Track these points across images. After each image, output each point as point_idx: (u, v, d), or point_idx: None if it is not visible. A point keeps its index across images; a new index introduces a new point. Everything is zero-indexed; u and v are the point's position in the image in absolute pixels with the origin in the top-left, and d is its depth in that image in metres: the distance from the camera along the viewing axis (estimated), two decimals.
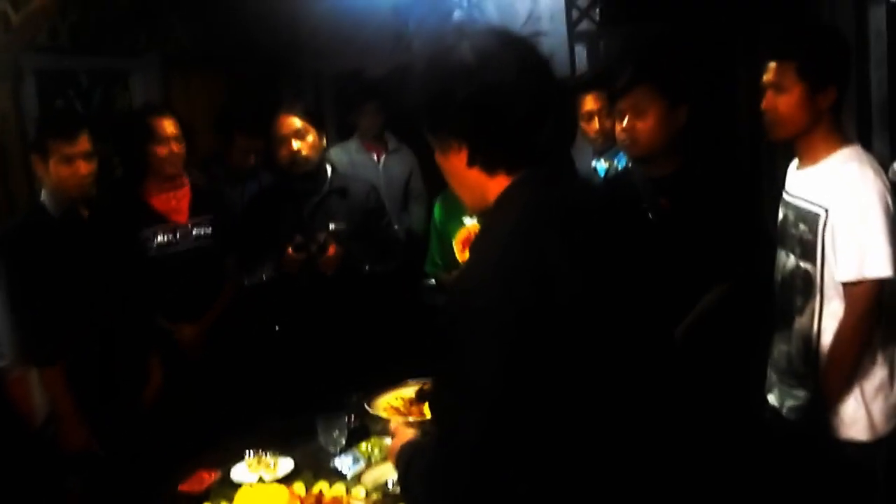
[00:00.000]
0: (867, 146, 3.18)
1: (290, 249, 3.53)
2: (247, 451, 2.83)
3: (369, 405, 2.47)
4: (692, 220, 2.97)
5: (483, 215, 1.70)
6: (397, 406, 2.66)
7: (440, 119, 1.65)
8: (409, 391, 2.52)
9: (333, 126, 5.82)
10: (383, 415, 2.41)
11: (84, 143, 3.19)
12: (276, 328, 3.76)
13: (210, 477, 2.77)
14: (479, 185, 1.66)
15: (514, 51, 1.61)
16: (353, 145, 5.33)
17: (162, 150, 3.66)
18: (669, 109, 2.98)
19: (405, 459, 1.75)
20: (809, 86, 2.51)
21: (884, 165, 2.88)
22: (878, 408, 2.57)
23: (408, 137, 5.52)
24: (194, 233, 3.77)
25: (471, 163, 1.64)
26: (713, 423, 1.83)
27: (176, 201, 3.77)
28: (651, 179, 3.11)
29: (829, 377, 2.56)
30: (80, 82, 3.83)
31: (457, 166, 1.67)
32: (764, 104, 2.61)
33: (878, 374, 2.57)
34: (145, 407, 3.48)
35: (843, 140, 2.59)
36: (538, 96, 1.60)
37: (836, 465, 2.60)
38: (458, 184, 1.71)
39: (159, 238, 3.69)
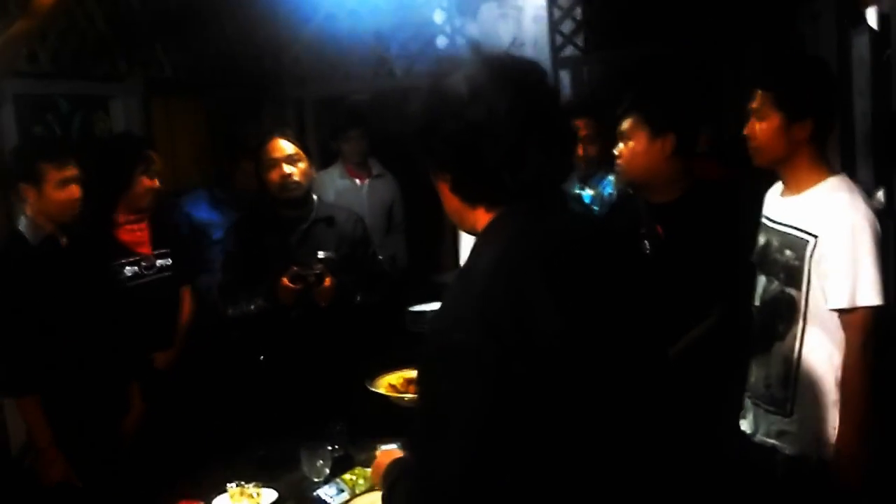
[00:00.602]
0: (851, 174, 3.20)
1: (285, 280, 3.45)
2: (229, 482, 2.77)
3: (371, 384, 2.45)
4: (684, 249, 2.97)
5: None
6: (396, 384, 2.70)
7: (425, 148, 1.64)
8: (411, 373, 2.51)
9: (316, 153, 5.80)
10: (382, 391, 2.42)
11: (74, 168, 3.20)
12: (261, 357, 3.70)
13: None
14: (464, 213, 1.66)
15: (509, 86, 1.56)
16: (336, 171, 5.34)
17: (151, 183, 3.72)
18: (653, 137, 3.02)
19: (390, 480, 1.72)
20: (786, 116, 2.56)
21: (868, 193, 2.90)
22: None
23: (391, 164, 5.53)
24: (158, 264, 3.83)
25: (453, 192, 1.64)
26: (692, 454, 1.80)
27: (140, 233, 3.83)
28: (650, 206, 3.14)
29: (846, 409, 2.53)
30: (59, 107, 3.79)
31: (443, 191, 1.67)
32: (746, 129, 2.66)
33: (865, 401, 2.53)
34: (125, 437, 3.43)
35: (829, 170, 2.62)
36: (527, 134, 1.55)
37: (814, 492, 2.59)
38: (447, 208, 1.70)
39: (127, 270, 3.73)
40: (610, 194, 3.78)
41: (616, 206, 3.59)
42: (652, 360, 1.68)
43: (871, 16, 2.82)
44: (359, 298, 3.69)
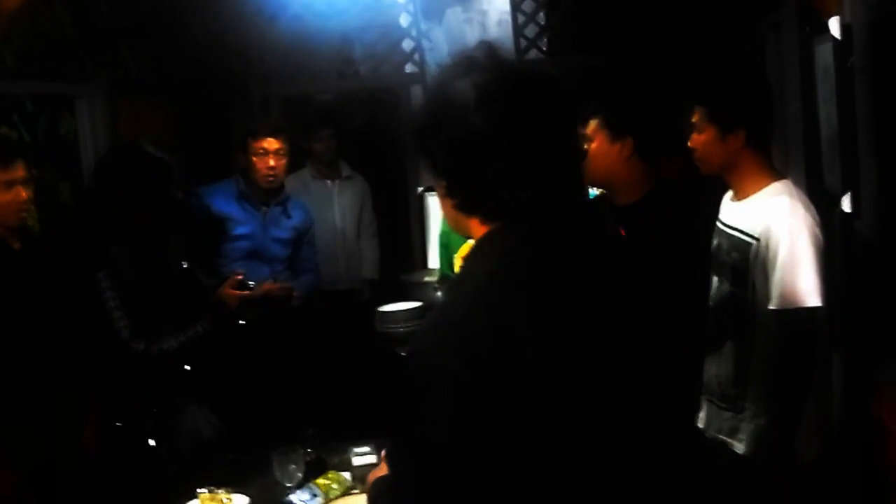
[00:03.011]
0: (817, 180, 3.26)
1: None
2: (199, 487, 2.75)
3: None
4: (645, 250, 3.06)
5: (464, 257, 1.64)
6: None
7: (423, 149, 1.60)
8: None
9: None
10: None
11: (21, 170, 3.09)
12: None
13: None
14: (459, 219, 1.61)
15: (518, 98, 1.51)
16: (306, 173, 5.32)
17: None
18: (611, 141, 3.15)
19: (374, 495, 1.72)
20: (719, 128, 2.71)
21: (835, 199, 2.96)
22: (810, 432, 2.66)
23: (359, 165, 5.52)
24: None
25: (447, 198, 1.60)
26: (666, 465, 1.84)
27: None
28: (614, 207, 3.24)
29: (781, 406, 2.63)
30: (25, 107, 3.75)
31: (440, 193, 1.63)
32: (689, 143, 2.81)
33: (810, 400, 2.65)
34: (86, 447, 3.33)
35: (772, 174, 2.75)
36: (530, 150, 1.50)
37: (767, 488, 2.67)
38: (443, 211, 1.66)
39: None
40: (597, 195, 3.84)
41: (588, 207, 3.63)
42: (635, 384, 1.67)
43: (834, 25, 2.87)
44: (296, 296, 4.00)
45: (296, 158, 5.39)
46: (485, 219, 1.56)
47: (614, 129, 3.15)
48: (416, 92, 5.79)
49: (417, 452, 1.47)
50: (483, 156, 1.49)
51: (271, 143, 4.16)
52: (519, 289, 1.49)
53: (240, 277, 3.56)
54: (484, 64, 1.54)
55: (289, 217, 4.37)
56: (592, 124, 3.16)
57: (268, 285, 3.82)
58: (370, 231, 5.46)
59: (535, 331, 1.46)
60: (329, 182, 5.34)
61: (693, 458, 2.84)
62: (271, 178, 4.20)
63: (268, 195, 4.27)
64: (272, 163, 4.17)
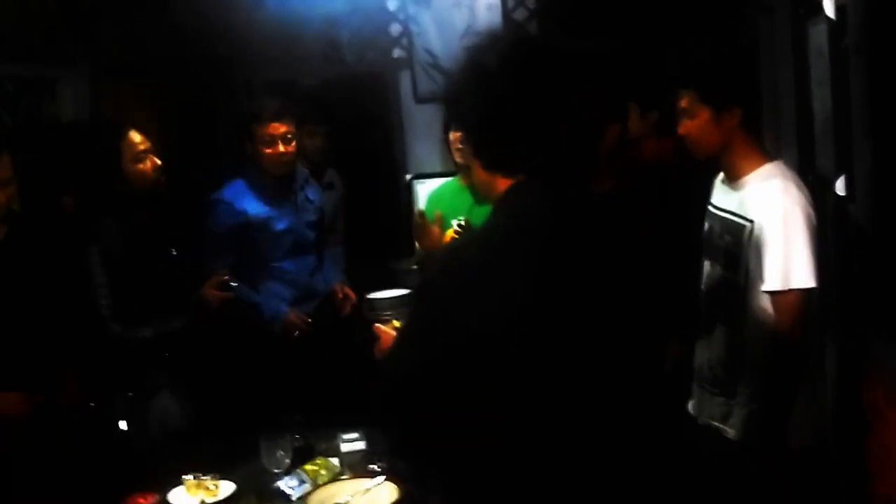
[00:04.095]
0: (810, 163, 3.23)
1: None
2: (185, 474, 2.73)
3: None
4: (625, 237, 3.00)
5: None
6: None
7: (455, 115, 1.86)
8: None
9: None
10: None
11: (4, 169, 2.96)
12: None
13: (146, 502, 2.67)
14: (485, 180, 1.81)
15: (539, 69, 1.68)
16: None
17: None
18: (719, 114, 2.97)
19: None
20: (713, 109, 2.66)
21: (828, 182, 2.94)
22: (803, 416, 2.65)
23: (348, 153, 5.41)
24: None
25: (475, 157, 1.80)
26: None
27: None
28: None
29: (775, 389, 2.62)
30: (6, 90, 3.69)
31: (470, 155, 1.84)
32: (679, 129, 2.76)
33: (803, 383, 2.64)
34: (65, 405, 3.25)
35: (764, 156, 2.72)
36: (548, 115, 1.67)
37: (759, 473, 2.64)
38: (474, 173, 1.87)
39: None
40: None
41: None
42: (625, 346, 1.77)
43: (828, 6, 2.84)
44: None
45: None
46: (506, 174, 1.75)
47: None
48: (405, 77, 5.73)
49: (399, 365, 1.71)
50: (505, 117, 1.68)
51: (277, 128, 3.86)
52: (530, 241, 1.68)
53: (225, 278, 3.54)
54: (507, 38, 1.80)
55: (311, 200, 4.20)
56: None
57: (293, 316, 3.88)
58: (339, 239, 5.25)
59: (538, 282, 1.64)
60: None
61: (684, 444, 2.82)
62: (284, 165, 3.94)
63: (288, 181, 4.04)
64: (282, 149, 3.89)
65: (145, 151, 3.38)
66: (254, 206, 3.92)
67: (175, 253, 3.51)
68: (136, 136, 3.36)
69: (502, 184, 1.75)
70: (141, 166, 3.35)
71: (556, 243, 1.69)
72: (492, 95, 1.68)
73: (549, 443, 1.66)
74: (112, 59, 4.49)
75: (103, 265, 3.24)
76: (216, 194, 3.96)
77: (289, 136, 3.89)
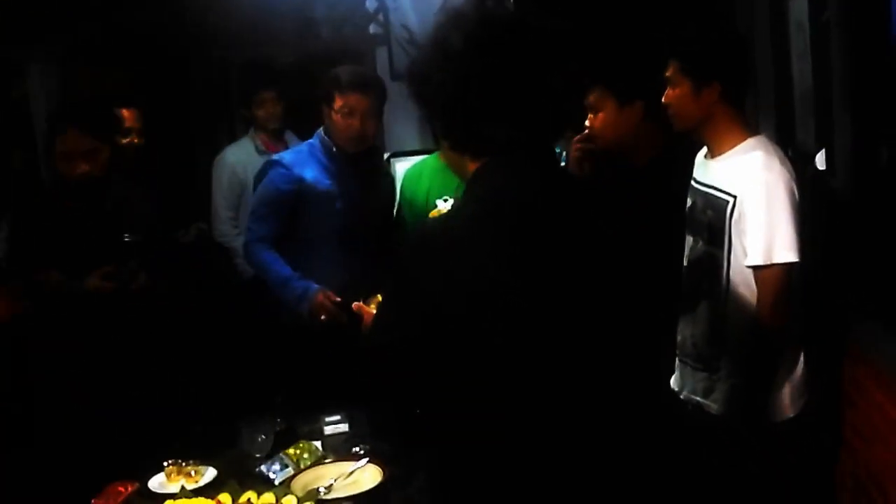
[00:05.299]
0: (790, 136, 3.23)
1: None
2: (165, 460, 2.70)
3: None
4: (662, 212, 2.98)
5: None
6: None
7: (417, 96, 1.76)
8: None
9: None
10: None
11: None
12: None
13: (126, 490, 2.63)
14: (455, 161, 1.81)
15: (502, 45, 1.66)
16: (249, 144, 4.81)
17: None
18: (620, 108, 3.08)
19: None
20: (693, 81, 2.65)
21: (809, 156, 2.94)
22: (784, 390, 2.66)
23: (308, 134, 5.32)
24: None
25: (443, 139, 1.81)
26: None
27: None
28: (628, 170, 3.19)
29: (756, 363, 2.62)
30: None
31: (437, 137, 1.93)
32: (664, 98, 2.75)
33: (784, 358, 2.66)
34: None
35: (746, 130, 2.70)
36: (513, 91, 1.66)
37: (741, 448, 2.66)
38: (442, 154, 1.99)
39: None
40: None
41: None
42: (602, 319, 1.77)
43: None
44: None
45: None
46: (474, 156, 1.74)
47: (621, 97, 3.08)
48: (381, 54, 5.68)
49: (380, 336, 1.76)
50: (469, 96, 1.66)
51: (359, 101, 3.49)
52: (497, 221, 1.68)
53: (338, 300, 3.33)
54: (471, 16, 1.70)
55: (379, 188, 3.83)
56: (597, 91, 3.09)
57: (321, 297, 3.42)
58: None
59: (505, 262, 1.66)
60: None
61: (666, 419, 2.82)
62: (358, 141, 3.56)
63: (360, 160, 3.64)
64: (359, 123, 3.51)
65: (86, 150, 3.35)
66: (312, 174, 3.58)
67: (128, 239, 3.45)
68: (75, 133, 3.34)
69: (471, 165, 1.75)
70: (75, 164, 3.32)
71: (524, 222, 1.69)
72: (457, 75, 1.66)
73: (527, 420, 1.67)
74: (84, 39, 4.41)
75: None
76: (276, 156, 3.73)
77: (369, 111, 3.52)
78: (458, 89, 1.66)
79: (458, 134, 1.74)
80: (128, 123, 3.82)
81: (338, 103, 3.47)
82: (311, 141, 3.67)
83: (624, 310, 1.82)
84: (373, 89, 3.54)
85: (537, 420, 1.67)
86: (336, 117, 3.49)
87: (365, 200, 3.65)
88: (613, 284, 1.78)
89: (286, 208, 3.55)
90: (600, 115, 3.09)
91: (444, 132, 1.78)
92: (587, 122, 3.15)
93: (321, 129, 3.63)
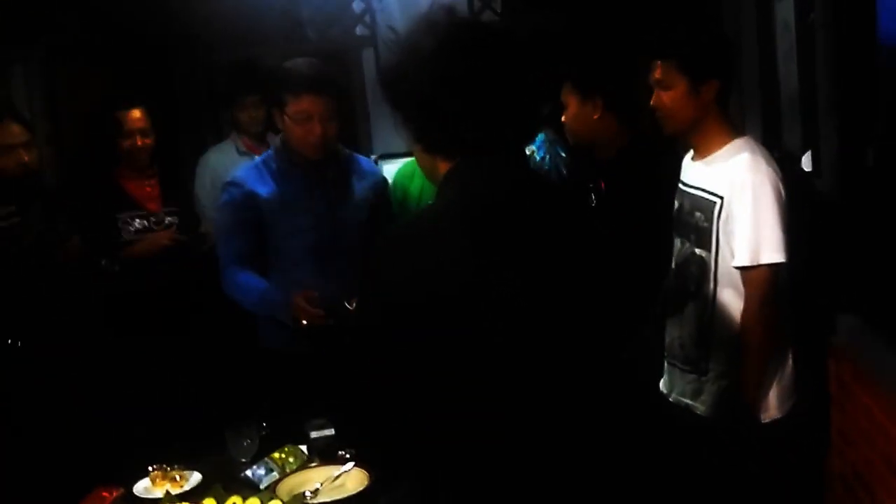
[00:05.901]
0: (777, 138, 3.23)
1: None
2: (150, 465, 2.67)
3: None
4: (625, 201, 3.10)
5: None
6: None
7: (391, 99, 1.78)
8: None
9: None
10: None
11: None
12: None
13: (111, 495, 2.61)
14: (428, 162, 1.83)
15: (474, 49, 1.70)
16: (230, 146, 4.72)
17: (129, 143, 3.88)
18: (583, 103, 3.20)
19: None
20: (691, 80, 2.63)
21: (795, 157, 2.94)
22: (772, 391, 2.66)
23: None
24: (166, 220, 3.99)
25: (416, 142, 1.81)
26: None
27: (150, 189, 4.03)
28: (595, 162, 3.34)
29: (745, 365, 2.62)
30: None
31: (411, 140, 1.83)
32: (653, 101, 2.73)
33: (773, 359, 2.65)
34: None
35: (733, 132, 2.71)
36: (485, 94, 1.69)
37: (730, 450, 2.66)
38: (417, 160, 1.90)
39: (137, 223, 3.92)
40: (542, 157, 3.83)
41: (571, 166, 3.81)
42: (580, 322, 1.78)
43: None
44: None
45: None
46: (445, 157, 1.77)
47: (583, 92, 3.19)
48: (368, 55, 5.66)
49: (356, 333, 1.82)
50: (441, 99, 1.69)
51: (314, 103, 3.05)
52: (468, 219, 1.70)
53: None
54: (443, 21, 1.74)
55: (353, 194, 3.31)
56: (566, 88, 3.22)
57: (298, 298, 3.04)
58: None
59: (477, 258, 1.66)
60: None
61: (656, 421, 2.82)
62: (317, 148, 3.12)
63: (322, 167, 3.21)
64: (318, 128, 3.05)
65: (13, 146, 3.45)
66: (268, 190, 3.19)
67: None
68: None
69: (442, 166, 1.78)
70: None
71: (493, 222, 1.71)
72: (430, 77, 1.69)
73: (507, 422, 1.67)
74: (68, 40, 4.38)
75: None
76: (230, 175, 3.36)
77: (327, 113, 3.06)
78: (431, 92, 1.69)
79: (430, 136, 1.77)
80: (139, 124, 3.87)
81: (292, 108, 3.05)
82: (267, 151, 3.34)
83: (600, 309, 1.83)
84: (329, 87, 3.09)
85: (518, 422, 1.68)
86: (290, 124, 3.09)
87: (333, 212, 3.22)
88: (587, 284, 1.80)
89: (248, 228, 3.19)
90: (568, 109, 3.23)
91: (417, 134, 1.80)
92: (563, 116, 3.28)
93: (278, 136, 3.28)
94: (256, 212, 3.17)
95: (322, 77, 3.08)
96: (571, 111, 3.24)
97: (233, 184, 3.24)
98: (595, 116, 3.20)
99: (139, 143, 3.92)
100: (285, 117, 3.07)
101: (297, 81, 3.05)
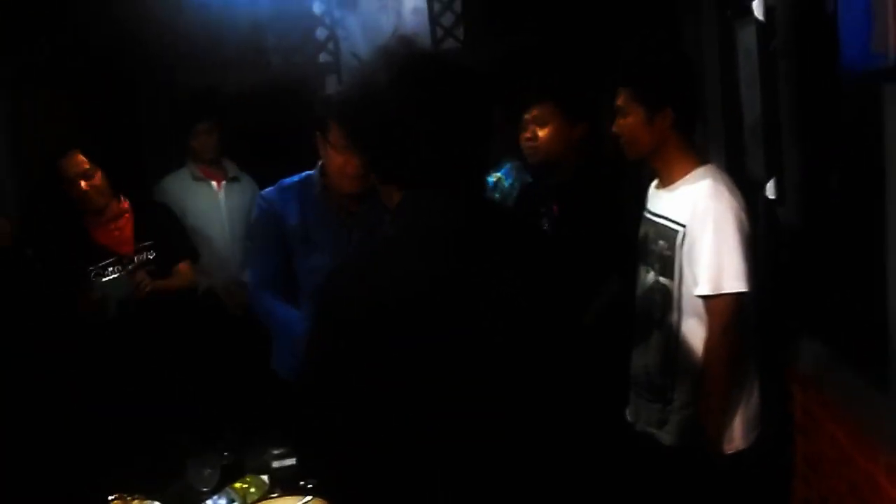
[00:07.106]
0: (740, 165, 3.25)
1: None
2: (110, 493, 2.64)
3: None
4: (576, 225, 3.17)
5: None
6: None
7: (347, 131, 1.87)
8: None
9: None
10: None
11: None
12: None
13: None
14: (384, 191, 1.85)
15: (426, 81, 1.73)
16: (186, 173, 4.70)
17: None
18: (569, 124, 3.31)
19: None
20: (646, 108, 2.66)
21: (758, 185, 2.95)
22: (737, 421, 2.65)
23: (248, 164, 5.20)
24: (137, 259, 3.84)
25: (372, 171, 1.85)
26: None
27: (119, 233, 3.87)
28: (548, 186, 3.41)
29: (707, 394, 2.61)
30: None
31: (368, 168, 1.89)
32: (614, 127, 2.76)
33: (735, 389, 2.65)
34: None
35: (697, 160, 2.72)
36: (437, 125, 1.72)
37: (693, 479, 2.66)
38: (375, 183, 1.90)
39: (110, 271, 3.74)
40: (511, 184, 3.86)
41: (527, 189, 3.82)
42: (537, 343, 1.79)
43: (757, 8, 2.85)
44: None
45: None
46: (399, 186, 1.80)
47: (571, 114, 3.32)
48: (331, 82, 5.66)
49: (307, 358, 1.80)
50: (395, 131, 1.73)
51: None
52: (419, 246, 1.74)
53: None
54: (399, 52, 1.77)
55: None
56: (545, 107, 3.33)
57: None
58: None
59: (428, 284, 1.70)
60: (214, 183, 4.69)
61: (619, 451, 2.81)
62: (351, 181, 2.91)
63: (354, 203, 3.02)
64: (358, 161, 2.69)
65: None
66: (294, 219, 3.06)
67: (30, 253, 3.49)
68: None
69: (396, 195, 1.81)
70: None
71: (444, 248, 1.74)
72: (383, 110, 1.73)
73: (459, 450, 1.69)
74: (32, 64, 4.33)
75: None
76: (264, 191, 3.21)
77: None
78: (385, 123, 1.73)
79: (384, 165, 1.80)
80: (79, 168, 3.76)
81: (335, 135, 2.83)
82: (308, 173, 3.12)
83: (559, 336, 1.85)
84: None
85: (469, 449, 1.69)
86: (331, 152, 2.89)
87: None
88: (543, 306, 1.82)
89: (275, 246, 3.08)
90: (547, 128, 3.30)
91: (372, 164, 1.84)
92: (528, 134, 3.35)
93: (320, 162, 3.07)
94: (282, 236, 3.06)
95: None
96: (552, 131, 3.31)
97: (262, 198, 3.16)
98: (576, 137, 3.32)
99: (84, 187, 3.75)
100: (327, 144, 2.88)
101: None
